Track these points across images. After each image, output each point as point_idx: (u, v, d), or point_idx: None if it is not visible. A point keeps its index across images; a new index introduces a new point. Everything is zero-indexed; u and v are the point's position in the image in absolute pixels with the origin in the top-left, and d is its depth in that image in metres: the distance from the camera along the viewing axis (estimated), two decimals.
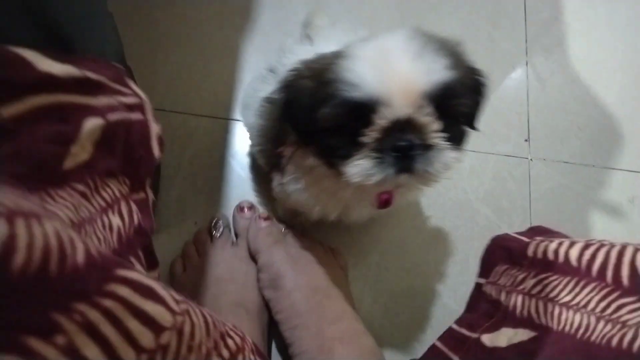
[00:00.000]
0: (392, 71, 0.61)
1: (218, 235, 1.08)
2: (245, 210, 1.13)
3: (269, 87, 0.86)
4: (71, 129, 0.43)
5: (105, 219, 0.47)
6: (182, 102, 1.24)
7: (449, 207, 1.24)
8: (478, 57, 1.41)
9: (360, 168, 0.65)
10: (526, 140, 1.33)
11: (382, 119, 0.62)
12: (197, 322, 0.47)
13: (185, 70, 1.28)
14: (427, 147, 0.64)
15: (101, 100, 0.48)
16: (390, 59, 0.62)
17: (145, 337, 0.38)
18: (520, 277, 0.72)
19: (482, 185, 1.27)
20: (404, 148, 0.63)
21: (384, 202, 0.82)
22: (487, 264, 0.83)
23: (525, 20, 1.46)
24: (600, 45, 1.47)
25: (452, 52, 0.67)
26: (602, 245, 0.63)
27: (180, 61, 1.29)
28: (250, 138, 1.04)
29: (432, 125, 0.63)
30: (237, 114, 1.24)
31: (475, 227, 1.23)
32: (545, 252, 0.69)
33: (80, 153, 0.44)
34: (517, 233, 0.83)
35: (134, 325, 0.37)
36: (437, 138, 0.64)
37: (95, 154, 0.46)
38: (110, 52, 0.78)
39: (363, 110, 0.62)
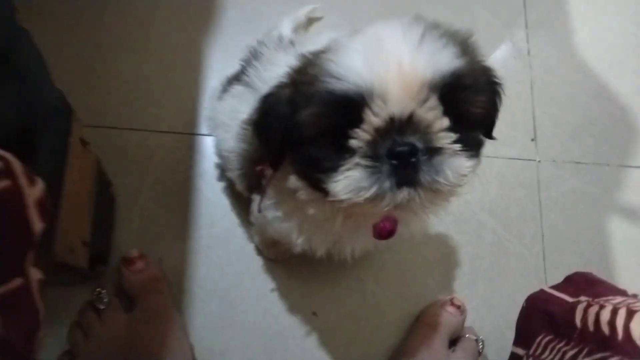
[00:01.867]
0: (387, 57, 0.51)
1: (103, 307, 0.90)
2: (136, 262, 0.94)
3: (248, 107, 0.71)
4: None
5: None
6: (139, 117, 1.09)
7: (450, 221, 1.10)
8: None
9: (349, 181, 0.53)
10: (533, 140, 1.19)
11: (376, 117, 0.51)
12: None
13: (141, 80, 1.13)
14: (434, 152, 0.52)
15: None
16: (385, 45, 0.52)
17: None
18: (571, 353, 0.61)
19: (487, 195, 1.13)
20: (404, 154, 0.51)
21: (386, 232, 0.67)
22: (526, 332, 0.72)
23: (525, 5, 1.31)
24: (610, 29, 1.33)
25: (461, 42, 0.57)
26: None
27: (135, 70, 1.13)
28: (227, 163, 0.90)
29: (439, 122, 0.52)
30: (203, 128, 1.09)
31: (482, 243, 1.09)
32: (597, 322, 0.57)
33: None
34: (555, 288, 0.71)
35: None
36: (445, 139, 0.52)
37: None
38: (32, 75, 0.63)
39: (351, 107, 0.51)
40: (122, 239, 1.00)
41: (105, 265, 0.97)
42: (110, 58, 1.13)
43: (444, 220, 1.09)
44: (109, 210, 0.98)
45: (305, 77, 0.56)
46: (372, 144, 0.52)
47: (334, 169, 0.55)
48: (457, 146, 0.53)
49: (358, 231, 0.71)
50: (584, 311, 0.62)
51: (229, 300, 0.99)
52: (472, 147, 0.57)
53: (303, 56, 0.59)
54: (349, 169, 0.54)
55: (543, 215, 1.13)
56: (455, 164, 0.53)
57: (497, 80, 0.62)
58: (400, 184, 0.53)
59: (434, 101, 0.51)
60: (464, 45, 0.57)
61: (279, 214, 0.74)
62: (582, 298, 0.65)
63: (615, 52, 1.30)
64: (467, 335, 1.00)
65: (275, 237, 0.85)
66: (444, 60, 0.51)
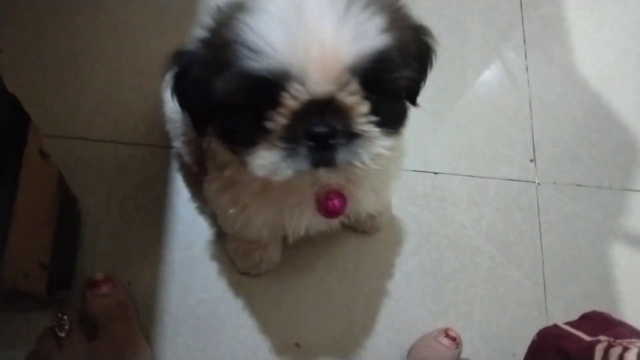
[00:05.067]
0: (307, 33, 0.48)
1: (64, 335, 0.82)
2: (101, 285, 0.85)
3: None
4: None
5: None
6: (111, 128, 1.02)
7: (445, 246, 1.03)
8: (470, 63, 1.21)
9: (265, 161, 0.52)
10: (532, 161, 1.12)
11: (293, 99, 0.49)
12: None
13: (115, 88, 1.05)
14: (352, 135, 0.52)
15: None
16: (307, 15, 0.48)
17: None
18: None
19: (483, 217, 1.06)
20: (322, 136, 0.50)
21: (334, 209, 0.65)
22: None
23: (522, 19, 1.26)
24: (610, 46, 1.28)
25: (389, 7, 0.55)
26: None
27: (109, 78, 1.06)
28: (173, 129, 0.85)
29: (359, 107, 0.51)
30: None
31: (478, 269, 1.02)
32: None
33: None
34: (570, 324, 0.65)
35: None
36: (364, 125, 0.52)
37: None
38: None
39: (268, 87, 0.49)
40: (88, 260, 0.92)
41: (68, 290, 0.88)
42: (82, 64, 1.05)
43: (438, 245, 1.02)
44: (74, 229, 0.90)
45: (219, 40, 0.52)
46: (290, 125, 0.51)
47: (250, 144, 0.53)
48: (376, 130, 0.52)
49: (300, 206, 0.69)
50: (604, 351, 0.57)
51: (204, 329, 0.91)
52: (393, 120, 0.56)
53: (219, 10, 0.55)
54: (265, 149, 0.52)
55: (542, 240, 1.06)
56: (373, 148, 0.52)
57: (429, 45, 0.61)
58: (317, 165, 0.52)
59: (354, 85, 0.50)
60: (393, 10, 0.55)
61: (217, 185, 0.71)
62: (602, 338, 0.59)
63: (614, 70, 1.25)
64: None
65: (232, 229, 0.80)
66: (368, 41, 0.49)
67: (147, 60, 1.07)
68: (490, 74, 1.21)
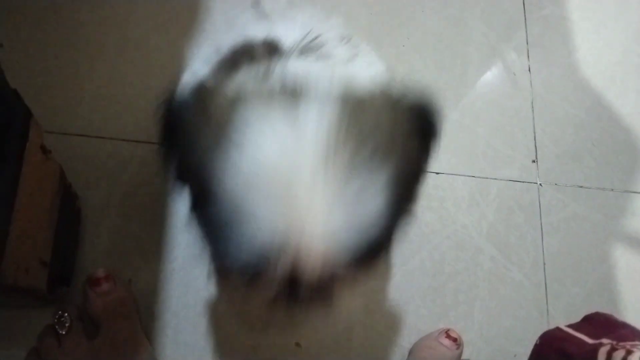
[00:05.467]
0: (299, 210, 0.41)
1: (64, 332, 0.81)
2: (102, 282, 0.84)
3: None
4: None
5: None
6: (112, 124, 1.00)
7: (446, 247, 1.02)
8: (472, 63, 1.20)
9: None
10: (534, 162, 1.12)
11: (278, 274, 0.45)
12: None
13: (116, 84, 1.04)
14: None
15: None
16: (299, 179, 0.41)
17: None
18: None
19: (485, 218, 1.06)
20: None
21: None
22: None
23: (525, 19, 1.25)
24: (612, 46, 1.27)
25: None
26: None
27: (110, 73, 1.04)
28: None
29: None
30: None
31: (479, 270, 1.01)
32: None
33: None
34: (572, 327, 0.64)
35: None
36: None
37: None
38: None
39: (253, 258, 0.44)
40: (88, 257, 0.91)
41: (68, 287, 0.87)
42: (82, 59, 1.03)
43: (439, 246, 1.02)
44: (74, 226, 0.88)
45: (203, 168, 0.45)
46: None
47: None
48: None
49: None
50: (607, 355, 0.56)
51: (204, 328, 0.90)
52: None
53: (202, 87, 0.49)
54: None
55: (544, 242, 1.06)
56: None
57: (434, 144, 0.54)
58: None
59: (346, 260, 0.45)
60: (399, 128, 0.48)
61: None
62: (605, 340, 0.58)
63: (616, 70, 1.24)
64: None
65: None
66: (366, 218, 0.43)
67: (148, 56, 1.06)
68: (492, 74, 1.21)
